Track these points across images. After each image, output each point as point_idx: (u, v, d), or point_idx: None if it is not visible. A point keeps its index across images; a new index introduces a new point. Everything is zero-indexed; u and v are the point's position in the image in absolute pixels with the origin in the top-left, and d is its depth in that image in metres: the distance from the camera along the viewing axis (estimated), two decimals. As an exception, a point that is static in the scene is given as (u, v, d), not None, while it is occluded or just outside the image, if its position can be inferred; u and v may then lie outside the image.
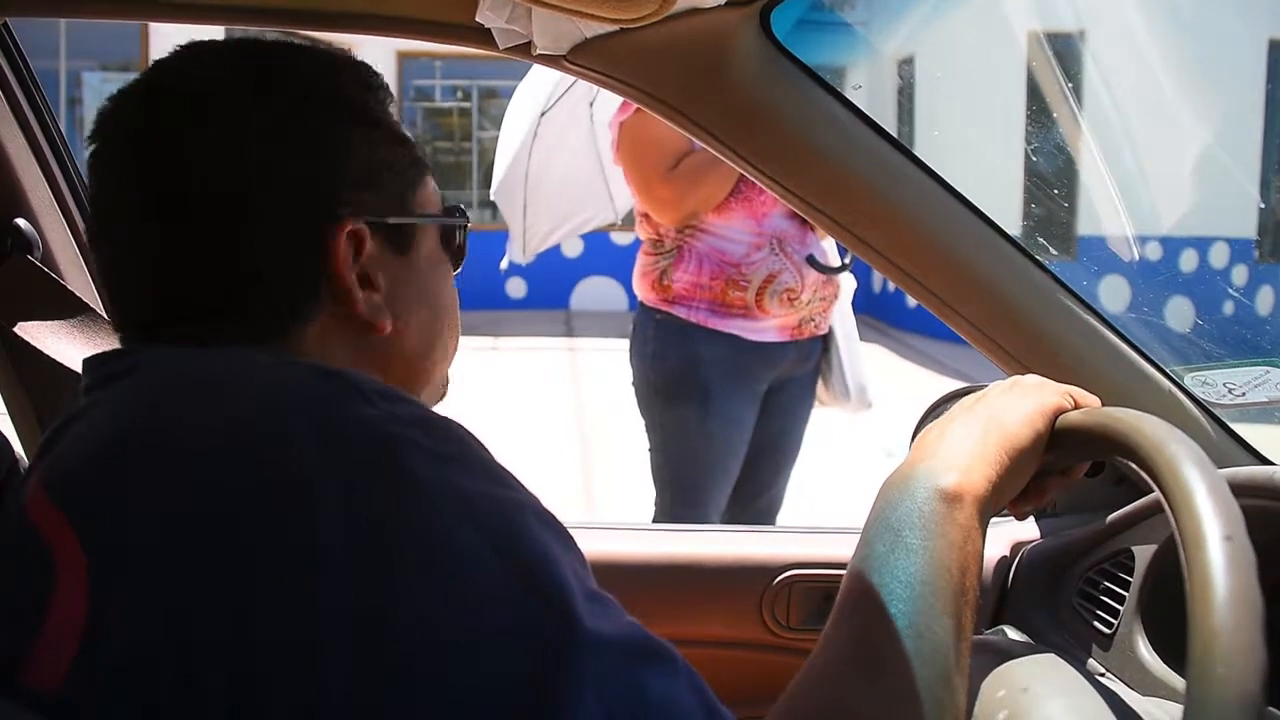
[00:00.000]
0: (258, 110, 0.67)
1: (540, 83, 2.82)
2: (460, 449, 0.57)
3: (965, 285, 1.06)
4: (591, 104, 2.87)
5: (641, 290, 2.39)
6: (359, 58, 0.76)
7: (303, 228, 0.67)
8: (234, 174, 0.65)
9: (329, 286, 0.67)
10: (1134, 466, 0.64)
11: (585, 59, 1.01)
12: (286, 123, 0.67)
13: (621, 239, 9.79)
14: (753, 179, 1.08)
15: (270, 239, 0.66)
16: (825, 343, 2.44)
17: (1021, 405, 0.74)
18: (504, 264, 3.47)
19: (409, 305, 0.73)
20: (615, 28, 0.97)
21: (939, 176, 1.06)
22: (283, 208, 0.66)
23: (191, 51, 0.71)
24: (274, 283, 0.66)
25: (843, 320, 2.45)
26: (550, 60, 1.02)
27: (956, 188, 1.06)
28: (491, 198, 3.12)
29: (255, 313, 0.66)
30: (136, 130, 0.67)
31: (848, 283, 2.44)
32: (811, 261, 2.26)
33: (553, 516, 0.58)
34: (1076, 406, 0.76)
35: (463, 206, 0.80)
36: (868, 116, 1.05)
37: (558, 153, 2.96)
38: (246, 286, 0.66)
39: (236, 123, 0.66)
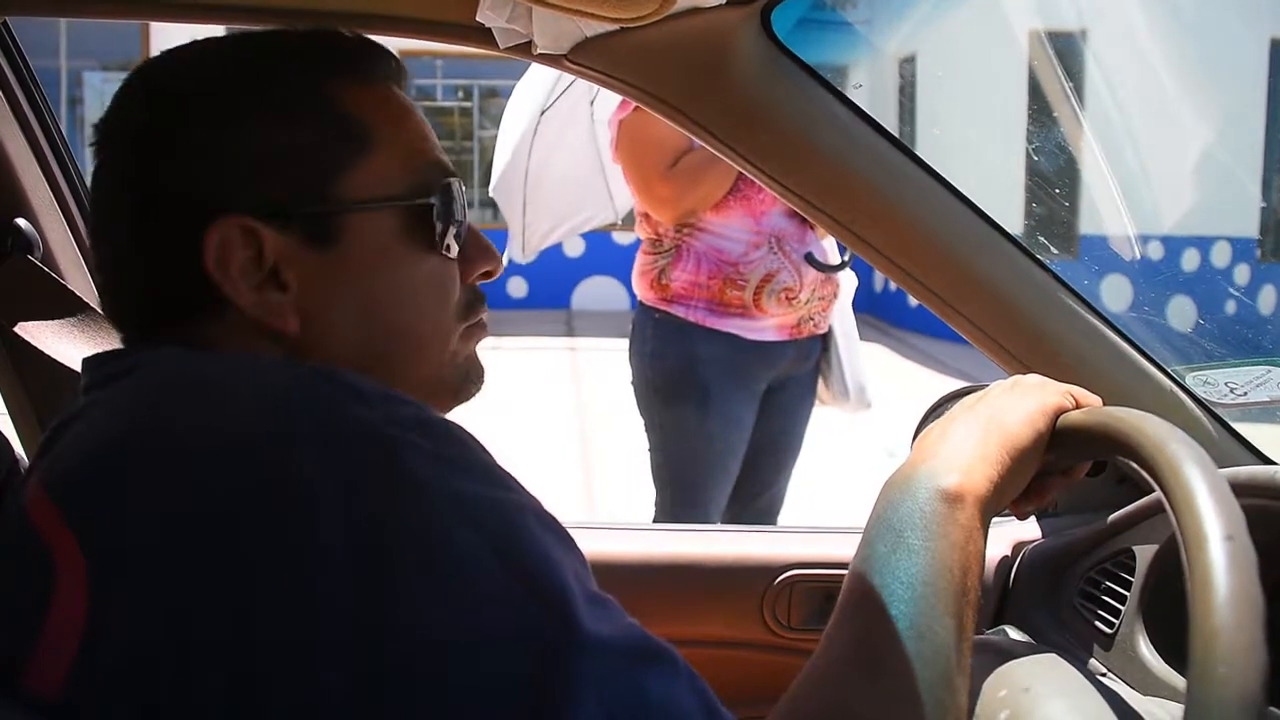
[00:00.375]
0: (123, 122, 0.68)
1: (540, 80, 2.81)
2: (460, 451, 0.57)
3: (966, 284, 1.06)
4: (592, 103, 2.86)
5: (640, 289, 2.39)
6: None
7: (175, 231, 0.65)
8: (119, 175, 0.68)
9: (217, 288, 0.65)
10: (1135, 466, 0.64)
11: (586, 58, 1.01)
12: (140, 131, 0.67)
13: (623, 238, 9.79)
14: (753, 178, 1.08)
15: (151, 246, 0.67)
16: (825, 342, 2.44)
17: (1023, 405, 0.74)
18: (504, 260, 3.46)
19: (337, 302, 0.68)
20: (616, 27, 0.97)
21: (939, 175, 1.06)
22: (154, 215, 0.66)
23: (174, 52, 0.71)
24: (167, 287, 0.67)
25: (842, 319, 2.45)
26: (551, 60, 1.02)
27: (957, 187, 1.06)
28: (490, 194, 3.11)
29: (169, 317, 0.67)
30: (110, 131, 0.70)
31: (848, 282, 2.43)
32: (810, 259, 2.25)
33: (553, 518, 0.57)
34: (1078, 406, 0.76)
35: (450, 184, 0.72)
36: (868, 115, 1.05)
37: (558, 151, 2.95)
38: (147, 291, 0.67)
39: (125, 123, 0.68)
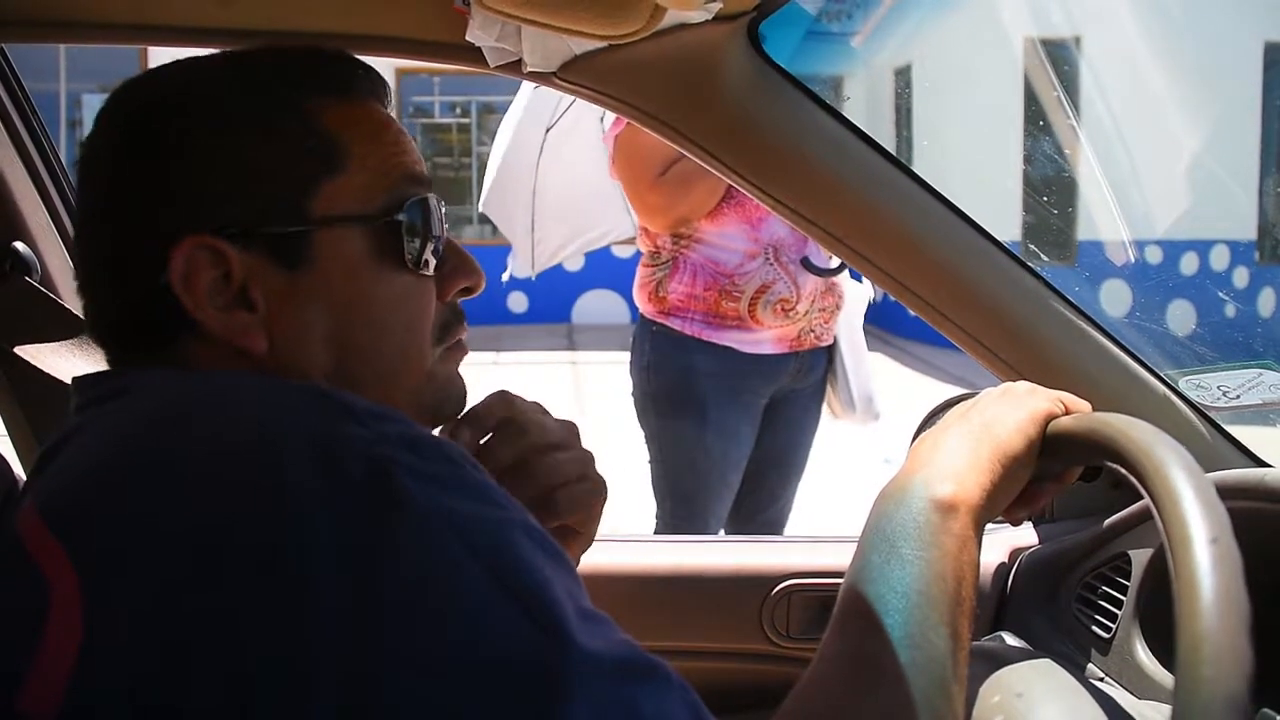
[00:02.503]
0: (98, 141, 0.69)
1: (542, 96, 2.80)
2: (450, 468, 0.57)
3: (957, 292, 1.07)
4: (601, 118, 2.86)
5: (640, 302, 2.39)
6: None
7: (141, 250, 0.66)
8: (95, 194, 0.69)
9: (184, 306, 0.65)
10: (1123, 471, 0.65)
11: (575, 75, 1.02)
12: (113, 148, 0.68)
13: (622, 252, 9.78)
14: (744, 191, 1.08)
15: (118, 264, 0.67)
16: (831, 354, 2.43)
17: (1013, 413, 0.75)
18: (506, 276, 3.45)
19: (305, 322, 0.67)
20: (604, 44, 0.98)
21: (929, 185, 1.07)
22: (120, 233, 0.67)
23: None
24: (135, 306, 0.67)
25: (850, 331, 2.43)
26: (540, 77, 1.03)
27: (946, 196, 1.07)
28: (481, 209, 3.10)
29: (142, 335, 0.68)
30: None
31: (855, 292, 2.42)
32: (806, 264, 2.25)
33: (544, 534, 0.57)
34: (1068, 412, 0.76)
35: (426, 200, 0.71)
36: (857, 127, 1.05)
37: (569, 167, 2.93)
38: (117, 310, 0.68)
39: (102, 144, 0.69)
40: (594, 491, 0.87)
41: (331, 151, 0.68)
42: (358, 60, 0.74)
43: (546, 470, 0.83)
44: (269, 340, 0.66)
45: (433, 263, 0.73)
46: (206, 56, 0.72)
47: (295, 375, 0.66)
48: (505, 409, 0.84)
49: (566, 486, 0.84)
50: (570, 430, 0.87)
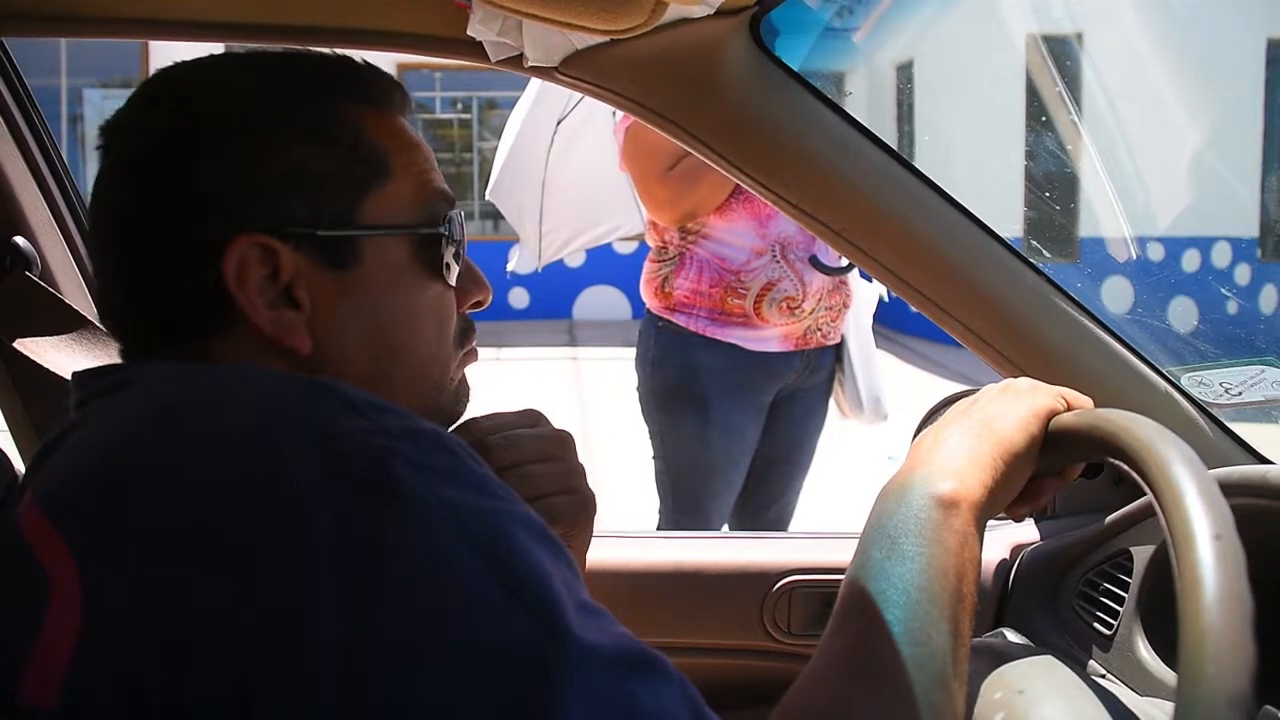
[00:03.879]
0: (145, 129, 0.68)
1: (551, 88, 2.79)
2: (450, 460, 0.57)
3: (958, 289, 1.07)
4: (614, 113, 2.85)
5: (646, 297, 2.38)
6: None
7: (193, 244, 0.66)
8: (133, 189, 0.68)
9: (231, 304, 0.66)
10: (1125, 467, 0.64)
11: (577, 70, 1.02)
12: (167, 139, 0.67)
13: (624, 248, 9.79)
14: (746, 187, 1.08)
15: (165, 257, 0.67)
16: (839, 353, 2.42)
17: (1015, 409, 0.75)
18: (510, 268, 3.44)
19: (348, 323, 0.69)
20: (605, 39, 0.98)
21: (931, 181, 1.07)
22: (172, 225, 0.66)
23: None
24: (178, 300, 0.67)
25: (859, 331, 2.42)
26: (542, 72, 1.03)
27: (949, 191, 1.07)
28: (488, 196, 3.09)
29: (175, 330, 0.67)
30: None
31: (865, 292, 2.42)
32: (814, 262, 2.24)
33: (543, 526, 0.57)
34: (1070, 408, 0.76)
35: (454, 215, 0.75)
36: (859, 123, 1.05)
37: (580, 161, 2.92)
38: (155, 304, 0.68)
39: (130, 144, 0.69)
40: (578, 504, 0.87)
41: (378, 161, 0.70)
42: (389, 75, 0.76)
43: (520, 484, 0.84)
44: (311, 340, 0.67)
45: (455, 273, 0.75)
46: (243, 56, 0.72)
47: (332, 373, 0.67)
48: (465, 432, 0.85)
49: (545, 499, 0.84)
50: (557, 442, 0.87)
